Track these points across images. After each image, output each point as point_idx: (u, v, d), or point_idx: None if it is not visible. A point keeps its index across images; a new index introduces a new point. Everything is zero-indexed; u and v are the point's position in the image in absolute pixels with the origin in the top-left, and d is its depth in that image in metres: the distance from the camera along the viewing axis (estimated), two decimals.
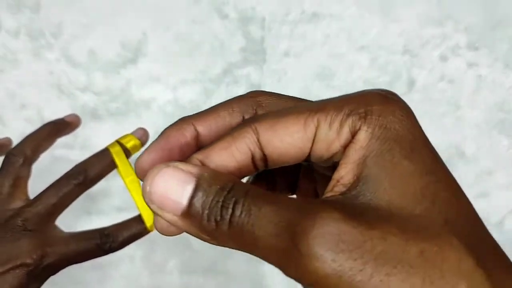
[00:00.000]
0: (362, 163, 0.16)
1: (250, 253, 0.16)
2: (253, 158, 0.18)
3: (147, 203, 0.17)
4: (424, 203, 0.15)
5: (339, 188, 0.16)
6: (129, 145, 0.37)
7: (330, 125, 0.17)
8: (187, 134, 0.19)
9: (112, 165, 0.36)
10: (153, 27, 0.57)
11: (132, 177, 0.35)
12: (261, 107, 0.20)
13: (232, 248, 0.16)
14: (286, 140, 0.17)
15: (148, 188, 0.16)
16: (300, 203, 0.15)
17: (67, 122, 0.41)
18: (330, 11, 0.58)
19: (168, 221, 0.16)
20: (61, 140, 0.56)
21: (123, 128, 0.57)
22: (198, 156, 0.18)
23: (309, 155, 0.18)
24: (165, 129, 0.19)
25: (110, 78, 0.56)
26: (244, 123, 0.18)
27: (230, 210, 0.15)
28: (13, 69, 0.56)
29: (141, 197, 0.33)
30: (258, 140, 0.17)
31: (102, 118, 0.56)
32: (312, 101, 0.19)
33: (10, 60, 0.56)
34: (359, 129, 0.17)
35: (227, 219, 0.15)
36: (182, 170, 0.16)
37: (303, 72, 0.57)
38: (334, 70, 0.57)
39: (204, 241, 0.17)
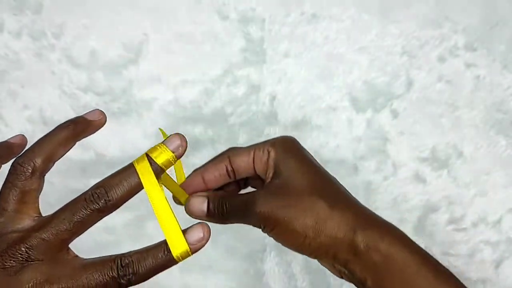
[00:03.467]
0: (274, 166, 0.37)
1: (237, 222, 0.37)
2: (227, 171, 0.39)
3: (189, 215, 0.37)
4: (300, 180, 0.36)
5: (268, 180, 0.37)
6: (160, 160, 0.30)
7: (259, 152, 0.38)
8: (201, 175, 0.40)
9: (139, 186, 0.30)
10: (154, 28, 0.58)
11: (160, 201, 0.30)
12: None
13: (229, 223, 0.37)
14: (242, 163, 0.38)
15: (188, 208, 0.37)
16: (251, 193, 0.36)
17: (89, 121, 0.33)
18: (329, 13, 0.58)
19: (200, 219, 0.36)
20: None
21: (125, 127, 0.57)
22: (201, 170, 0.39)
23: (255, 171, 0.38)
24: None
25: (112, 78, 0.57)
26: (223, 153, 0.39)
27: (225, 207, 0.36)
28: (16, 70, 0.57)
29: (169, 222, 0.30)
30: (230, 162, 0.38)
31: None
32: (255, 144, 0.39)
33: (12, 60, 0.57)
34: (270, 151, 0.38)
35: (225, 210, 0.36)
36: (201, 196, 0.37)
37: (303, 72, 0.58)
38: (333, 71, 0.58)
39: (215, 222, 0.37)
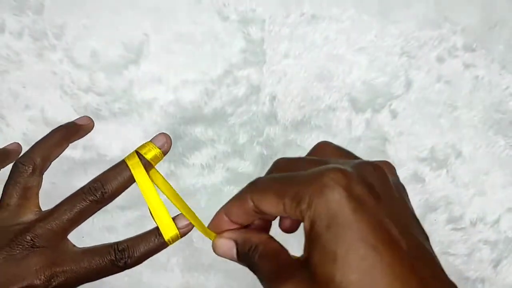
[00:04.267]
0: (309, 247, 0.25)
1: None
2: (255, 211, 0.29)
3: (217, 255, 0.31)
4: (333, 265, 0.24)
5: (302, 259, 0.26)
6: (148, 156, 0.35)
7: (291, 210, 0.27)
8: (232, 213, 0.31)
9: (131, 179, 0.34)
10: (155, 29, 0.58)
11: (150, 191, 0.34)
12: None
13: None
14: (271, 210, 0.28)
15: (215, 250, 0.31)
16: (278, 261, 0.28)
17: (79, 125, 0.39)
18: (329, 13, 0.58)
19: (230, 259, 0.31)
20: None
21: (126, 128, 0.57)
22: (224, 210, 0.31)
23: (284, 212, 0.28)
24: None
25: (113, 78, 0.57)
26: (244, 194, 0.29)
27: (253, 256, 0.28)
28: (17, 70, 0.57)
29: (159, 210, 0.33)
30: (255, 206, 0.29)
31: (104, 118, 0.57)
32: (287, 179, 0.28)
33: (13, 61, 0.57)
34: (304, 216, 0.26)
35: (253, 259, 0.28)
36: (228, 238, 0.30)
37: (303, 73, 0.58)
38: (333, 71, 0.58)
39: (243, 265, 0.31)
